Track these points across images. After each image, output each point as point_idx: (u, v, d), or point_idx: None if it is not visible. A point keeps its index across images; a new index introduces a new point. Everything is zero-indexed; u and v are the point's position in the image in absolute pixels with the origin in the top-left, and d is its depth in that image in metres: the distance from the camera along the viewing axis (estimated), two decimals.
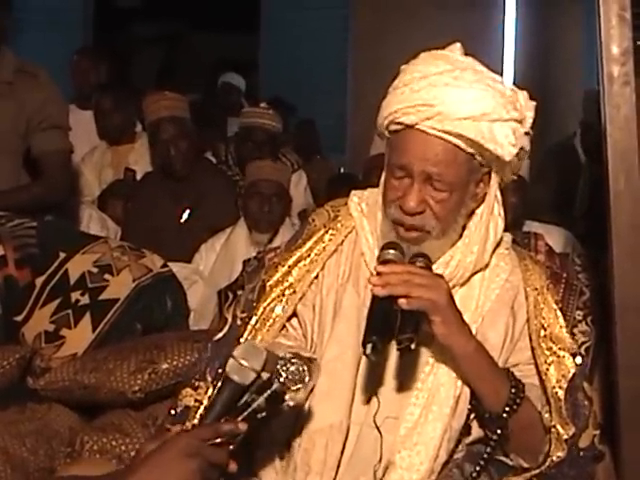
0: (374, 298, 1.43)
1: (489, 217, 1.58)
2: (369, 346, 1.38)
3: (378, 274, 1.44)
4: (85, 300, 2.32)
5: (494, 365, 1.53)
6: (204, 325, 2.71)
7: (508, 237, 1.67)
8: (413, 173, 1.49)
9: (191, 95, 5.40)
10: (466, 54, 1.54)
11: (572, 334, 1.77)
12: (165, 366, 2.09)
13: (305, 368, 1.35)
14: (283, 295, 1.62)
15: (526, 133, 1.53)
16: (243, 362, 1.33)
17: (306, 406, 1.54)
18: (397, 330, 1.40)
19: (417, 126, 1.48)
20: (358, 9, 5.96)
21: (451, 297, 1.47)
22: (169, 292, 2.44)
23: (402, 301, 1.40)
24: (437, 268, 1.54)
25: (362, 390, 1.53)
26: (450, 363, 1.53)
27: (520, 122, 1.51)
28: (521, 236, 1.95)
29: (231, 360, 1.34)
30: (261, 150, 3.89)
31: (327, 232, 1.65)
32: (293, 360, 1.36)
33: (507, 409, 1.51)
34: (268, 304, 1.63)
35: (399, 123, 1.51)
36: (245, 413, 1.31)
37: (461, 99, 1.47)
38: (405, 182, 1.51)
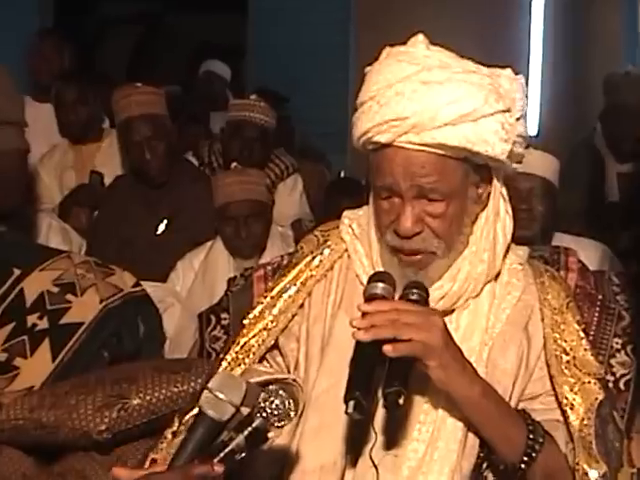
0: (357, 344, 1.43)
1: (496, 218, 1.60)
2: (351, 404, 1.38)
3: (363, 315, 1.44)
4: (43, 324, 2.32)
5: (505, 408, 1.54)
6: (182, 353, 2.71)
7: (524, 251, 1.69)
8: (401, 191, 1.52)
9: (169, 86, 5.43)
10: (434, 43, 1.55)
11: (609, 365, 1.78)
12: (137, 401, 2.09)
13: (291, 402, 1.36)
14: (265, 329, 1.66)
15: (518, 119, 1.54)
16: (220, 395, 1.34)
17: (294, 444, 1.55)
18: (383, 382, 1.41)
19: (394, 143, 1.51)
20: None
21: (448, 335, 1.48)
22: (142, 315, 2.45)
23: (387, 348, 1.40)
24: (442, 285, 1.55)
25: (357, 424, 1.54)
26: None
27: (508, 110, 1.52)
28: (549, 251, 1.96)
29: (206, 392, 1.35)
30: (251, 149, 3.91)
31: (314, 258, 1.68)
32: (278, 392, 1.37)
33: (525, 459, 1.52)
34: (247, 340, 1.66)
35: (374, 143, 1.54)
36: (222, 454, 1.31)
37: (434, 105, 1.48)
38: (396, 202, 1.53)
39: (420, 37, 1.57)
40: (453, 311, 1.60)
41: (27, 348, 2.30)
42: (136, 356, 2.40)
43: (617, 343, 1.90)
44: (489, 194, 1.59)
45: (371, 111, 1.53)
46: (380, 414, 1.55)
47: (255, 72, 6.70)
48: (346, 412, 1.39)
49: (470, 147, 1.50)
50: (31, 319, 2.33)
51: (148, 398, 2.09)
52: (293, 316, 1.67)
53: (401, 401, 1.40)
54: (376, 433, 1.53)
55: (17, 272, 2.39)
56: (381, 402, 1.51)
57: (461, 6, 5.15)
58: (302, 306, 1.67)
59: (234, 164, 3.51)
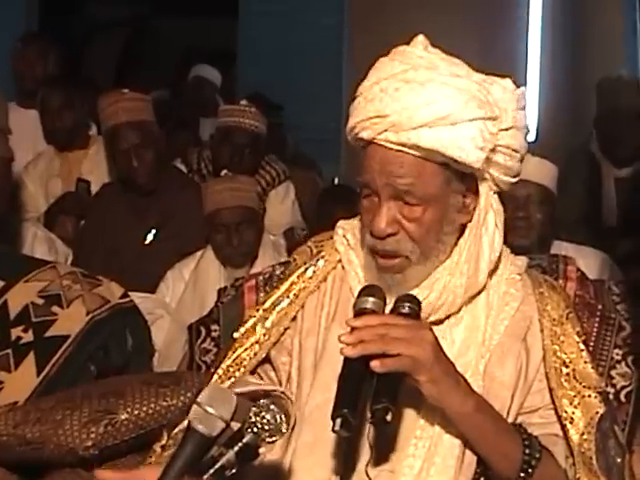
0: (346, 360, 1.43)
1: (481, 231, 1.59)
2: (338, 421, 1.39)
3: (351, 330, 1.45)
4: (28, 337, 2.31)
5: (501, 423, 1.54)
6: (171, 366, 2.71)
7: (522, 261, 1.69)
8: (377, 189, 1.53)
9: (157, 91, 5.44)
10: (433, 45, 1.57)
11: (610, 377, 1.79)
12: (124, 416, 2.09)
13: (282, 416, 1.36)
14: (257, 342, 1.66)
15: (508, 129, 1.54)
16: (209, 409, 1.34)
17: (287, 460, 1.55)
18: (371, 398, 1.41)
19: (375, 140, 1.53)
20: None
21: (439, 349, 1.48)
22: (130, 327, 2.44)
23: (375, 363, 1.40)
24: (419, 293, 1.55)
25: (351, 439, 1.54)
26: None
27: (492, 119, 1.52)
28: (548, 260, 1.96)
29: (195, 407, 1.35)
30: (242, 155, 3.92)
31: (307, 269, 1.69)
32: (269, 407, 1.37)
33: (522, 475, 1.52)
34: (239, 354, 1.67)
35: (360, 139, 1.56)
36: (212, 470, 1.32)
37: (414, 104, 1.50)
38: (374, 202, 1.55)
39: (420, 38, 1.59)
40: (441, 323, 1.60)
41: (11, 362, 2.29)
42: (124, 369, 2.39)
43: (617, 354, 1.90)
44: (477, 205, 1.59)
45: (359, 106, 1.56)
46: (376, 430, 1.54)
47: (246, 77, 6.70)
48: (333, 430, 1.40)
49: (443, 151, 1.50)
50: (15, 332, 2.32)
51: (136, 413, 2.09)
52: (285, 329, 1.67)
53: (389, 418, 1.40)
54: (371, 448, 1.53)
55: (1, 283, 2.39)
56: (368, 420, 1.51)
57: (457, 9, 5.16)
58: (295, 319, 1.67)
59: (224, 171, 3.51)
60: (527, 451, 1.52)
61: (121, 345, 2.41)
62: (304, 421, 1.55)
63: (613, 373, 1.86)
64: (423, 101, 1.49)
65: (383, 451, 1.54)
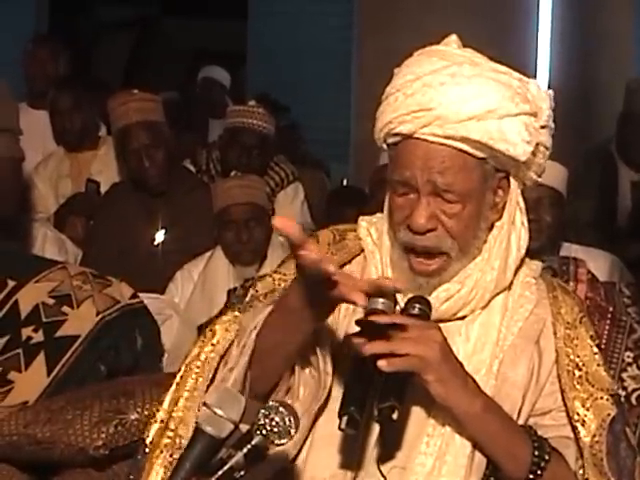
0: (354, 359, 1.44)
1: (510, 228, 1.60)
2: (344, 419, 1.39)
3: (360, 329, 1.45)
4: (39, 337, 2.32)
5: (510, 424, 1.54)
6: None
7: (537, 265, 1.69)
8: (418, 186, 1.52)
9: (166, 92, 5.44)
10: (464, 45, 1.58)
11: (620, 379, 1.78)
12: (134, 416, 2.09)
13: (291, 419, 1.35)
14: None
15: (543, 127, 1.57)
16: (218, 411, 1.34)
17: (304, 452, 1.55)
18: (378, 397, 1.42)
19: (416, 135, 1.52)
20: None
21: (448, 348, 1.48)
22: (139, 328, 2.45)
23: (382, 363, 1.41)
24: (449, 287, 1.56)
25: (365, 434, 1.54)
26: None
27: (534, 115, 1.55)
28: (558, 262, 1.96)
29: (203, 409, 1.35)
30: (250, 156, 3.92)
31: (331, 253, 1.66)
32: (278, 409, 1.36)
33: (531, 476, 1.51)
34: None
35: (396, 134, 1.55)
36: (220, 472, 1.31)
37: (461, 98, 1.50)
38: (411, 198, 1.54)
39: (453, 37, 1.59)
40: (462, 319, 1.60)
41: (22, 362, 2.29)
42: (134, 370, 2.39)
43: (629, 357, 1.90)
44: (505, 203, 1.59)
45: (397, 102, 1.54)
46: (382, 427, 1.54)
47: (255, 79, 6.71)
48: (339, 427, 1.40)
49: (492, 144, 1.51)
50: (26, 332, 2.33)
51: (146, 413, 2.09)
52: None
53: (395, 416, 1.40)
54: (382, 445, 1.54)
55: (11, 284, 2.39)
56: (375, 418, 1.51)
57: (467, 12, 5.16)
58: None
59: (233, 172, 3.51)
60: (536, 452, 1.52)
61: (131, 345, 2.42)
62: (323, 415, 1.55)
63: (624, 376, 1.86)
64: (471, 94, 1.50)
65: (395, 448, 1.54)
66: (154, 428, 1.65)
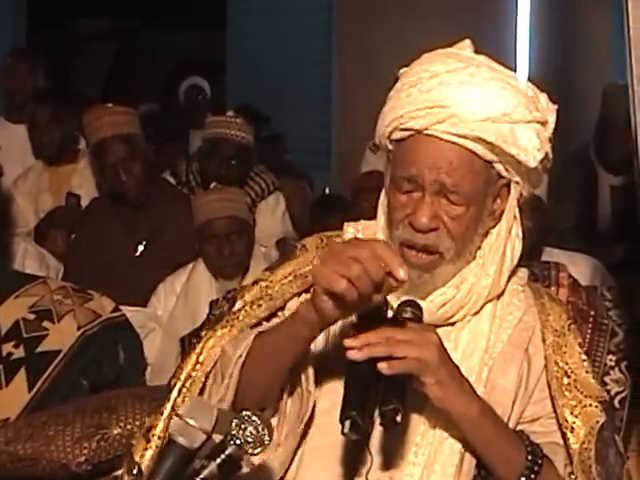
0: (351, 363, 1.43)
1: (506, 237, 1.61)
2: (347, 423, 1.39)
3: (354, 333, 1.45)
4: (19, 353, 2.31)
5: (504, 428, 1.54)
6: (164, 380, 2.70)
7: (524, 272, 1.70)
8: (424, 184, 1.52)
9: (146, 104, 5.44)
10: (476, 52, 1.59)
11: (603, 383, 1.78)
12: (117, 431, 2.08)
13: (265, 428, 1.35)
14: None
15: (549, 139, 1.58)
16: (190, 421, 1.33)
17: (294, 464, 1.55)
18: (380, 400, 1.41)
19: (426, 131, 1.52)
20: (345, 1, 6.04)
21: (444, 351, 1.48)
22: (121, 341, 2.44)
23: (382, 365, 1.41)
24: (445, 292, 1.56)
25: (354, 445, 1.53)
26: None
27: (543, 124, 1.56)
28: (540, 267, 1.96)
29: (175, 419, 1.34)
30: (229, 166, 3.91)
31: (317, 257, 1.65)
32: (251, 419, 1.36)
33: None
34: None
35: (405, 129, 1.54)
36: None
37: (478, 98, 1.51)
38: (415, 196, 1.54)
39: (467, 41, 1.60)
40: (453, 325, 1.60)
41: (2, 378, 2.28)
42: (116, 384, 2.38)
43: (611, 360, 1.90)
44: (502, 211, 1.60)
45: (409, 97, 1.53)
46: (376, 435, 1.55)
47: (235, 89, 6.71)
48: (342, 432, 1.40)
49: (504, 147, 1.51)
50: (6, 348, 2.31)
51: (129, 427, 2.08)
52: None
53: (398, 418, 1.40)
54: (372, 455, 1.53)
55: None
56: (378, 422, 1.50)
57: (446, 23, 5.17)
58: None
59: (213, 184, 3.51)
60: (530, 457, 1.52)
61: (113, 359, 2.41)
62: (313, 426, 1.55)
63: (607, 379, 1.86)
64: (488, 96, 1.51)
65: (383, 458, 1.54)
66: (149, 454, 1.63)
